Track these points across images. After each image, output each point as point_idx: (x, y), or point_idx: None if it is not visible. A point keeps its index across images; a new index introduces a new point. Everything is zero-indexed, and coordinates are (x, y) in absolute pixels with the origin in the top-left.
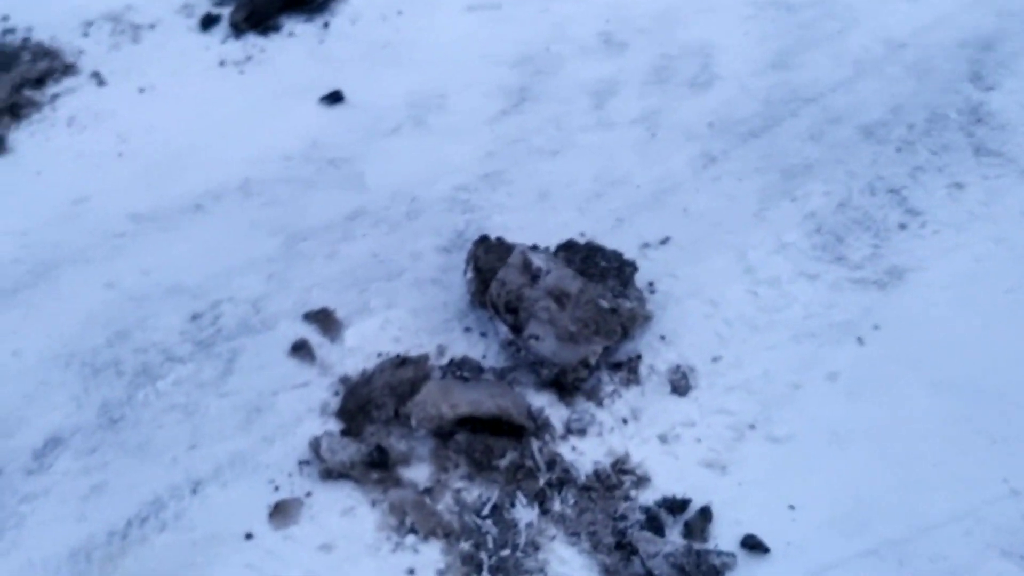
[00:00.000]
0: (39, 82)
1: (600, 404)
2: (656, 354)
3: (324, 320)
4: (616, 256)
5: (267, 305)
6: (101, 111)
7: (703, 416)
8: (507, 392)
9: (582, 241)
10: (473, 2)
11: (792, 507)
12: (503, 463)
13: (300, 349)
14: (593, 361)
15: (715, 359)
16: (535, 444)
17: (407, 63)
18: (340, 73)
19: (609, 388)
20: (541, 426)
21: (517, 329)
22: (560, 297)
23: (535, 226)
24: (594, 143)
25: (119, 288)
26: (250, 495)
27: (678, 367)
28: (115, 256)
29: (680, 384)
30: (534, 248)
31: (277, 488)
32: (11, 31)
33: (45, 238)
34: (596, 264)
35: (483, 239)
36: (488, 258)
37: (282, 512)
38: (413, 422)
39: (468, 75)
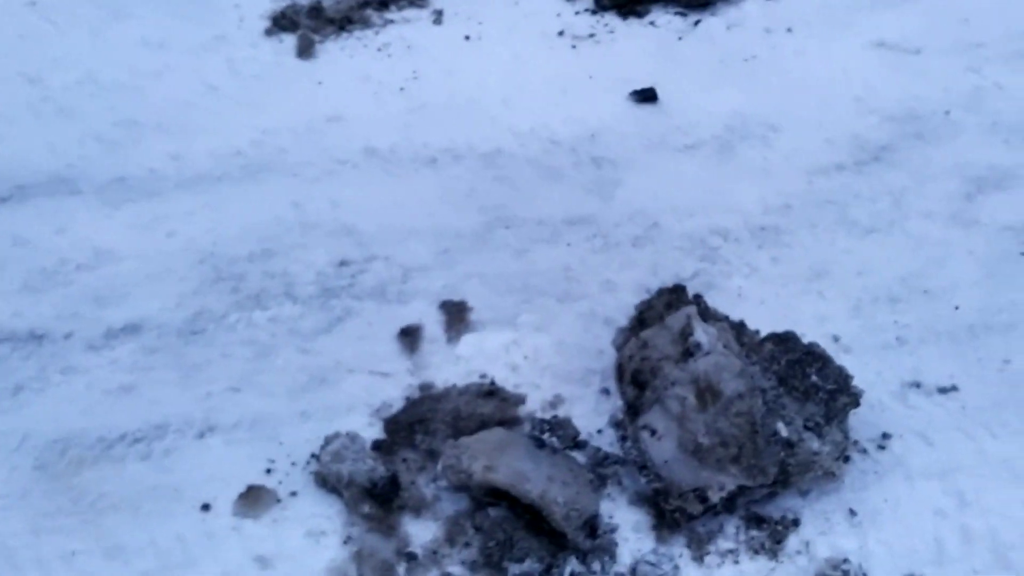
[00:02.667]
0: (383, 4)
1: (700, 559)
2: (827, 530)
3: (455, 314)
4: (838, 376)
5: (417, 278)
6: (415, 46)
7: None
8: (576, 482)
9: (806, 341)
10: (887, 38)
11: None
12: (515, 570)
13: (408, 335)
14: (714, 498)
15: None
16: (571, 566)
17: (759, 83)
18: (673, 74)
19: (726, 544)
20: (596, 548)
21: (635, 411)
22: (706, 392)
23: (778, 307)
24: (929, 237)
25: (301, 209)
26: (242, 465)
27: (845, 561)
28: (322, 180)
29: None
30: (727, 323)
31: (270, 471)
32: None
33: (277, 143)
34: (805, 376)
35: (676, 289)
36: (667, 313)
37: (251, 499)
38: (439, 467)
39: (823, 115)
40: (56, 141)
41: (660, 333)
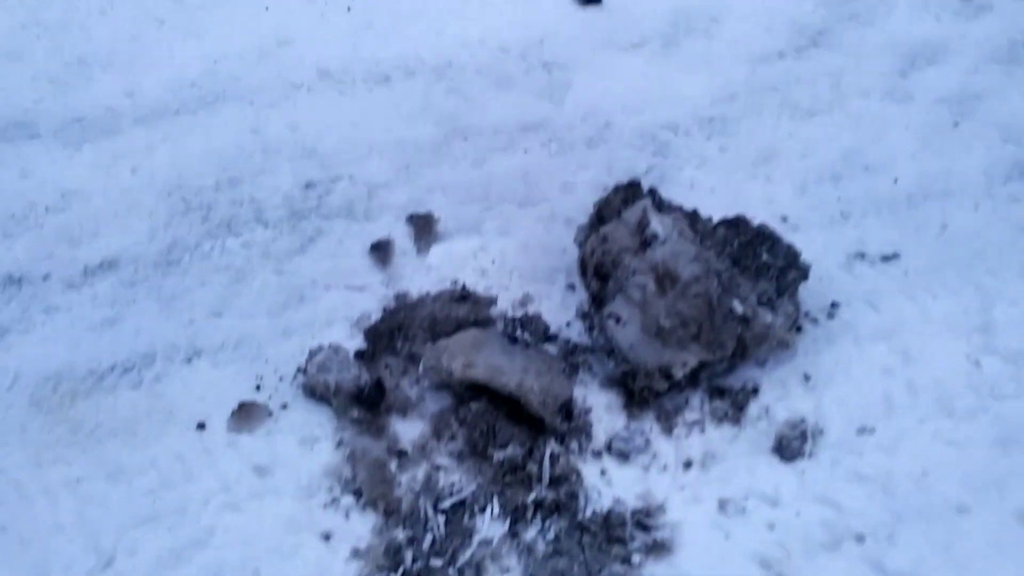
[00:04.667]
0: None
1: (669, 431)
2: (784, 395)
3: (423, 226)
4: (788, 254)
5: (382, 194)
6: None
7: (799, 498)
8: (549, 372)
9: (755, 222)
10: None
11: None
12: (499, 455)
13: (379, 250)
14: (678, 374)
15: (863, 430)
16: (551, 447)
17: None
18: None
19: (692, 416)
20: (573, 429)
21: (599, 301)
22: (664, 278)
23: (728, 193)
24: (869, 114)
25: (261, 135)
26: (232, 384)
27: (802, 421)
28: (278, 104)
29: (791, 445)
30: (683, 212)
31: (259, 388)
32: None
33: (230, 70)
34: (756, 255)
35: (632, 184)
36: (624, 208)
37: (244, 415)
38: (420, 368)
39: (761, 3)
40: (8, 86)
41: (618, 227)
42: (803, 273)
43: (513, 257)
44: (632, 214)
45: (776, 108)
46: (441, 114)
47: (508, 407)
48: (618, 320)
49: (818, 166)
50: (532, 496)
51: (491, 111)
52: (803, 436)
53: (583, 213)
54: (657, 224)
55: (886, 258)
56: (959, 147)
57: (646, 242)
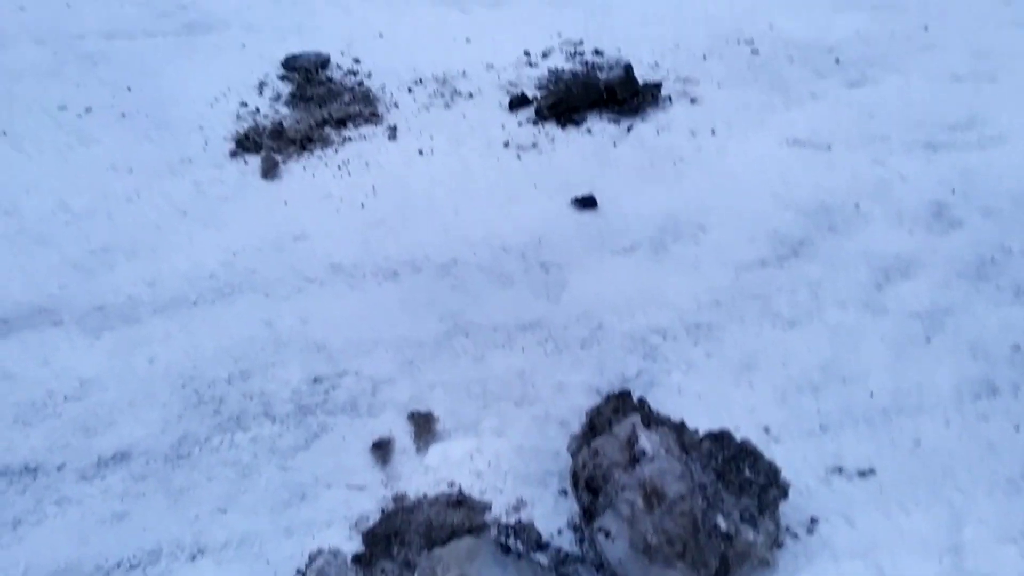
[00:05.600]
0: (341, 122)
1: None
2: None
3: (423, 425)
4: (769, 472)
5: (385, 390)
6: (373, 162)
7: None
8: None
9: (738, 438)
10: (800, 136)
11: None
12: None
13: (380, 448)
14: None
15: None
16: None
17: (686, 183)
18: (610, 179)
19: None
20: None
21: (590, 514)
22: (652, 495)
23: (714, 400)
24: (845, 325)
25: (273, 328)
26: None
27: None
28: (291, 297)
29: None
30: (670, 426)
31: None
32: (354, 73)
33: (247, 263)
34: (739, 471)
35: (622, 395)
36: (615, 418)
37: None
38: None
39: (745, 212)
40: (35, 272)
41: (609, 441)
42: (783, 491)
43: (508, 459)
44: (622, 429)
45: (758, 315)
46: (445, 310)
47: None
48: (607, 534)
49: (798, 376)
50: None
51: (492, 308)
52: None
53: (576, 415)
54: (646, 441)
55: (862, 473)
56: (931, 362)
57: (635, 458)
